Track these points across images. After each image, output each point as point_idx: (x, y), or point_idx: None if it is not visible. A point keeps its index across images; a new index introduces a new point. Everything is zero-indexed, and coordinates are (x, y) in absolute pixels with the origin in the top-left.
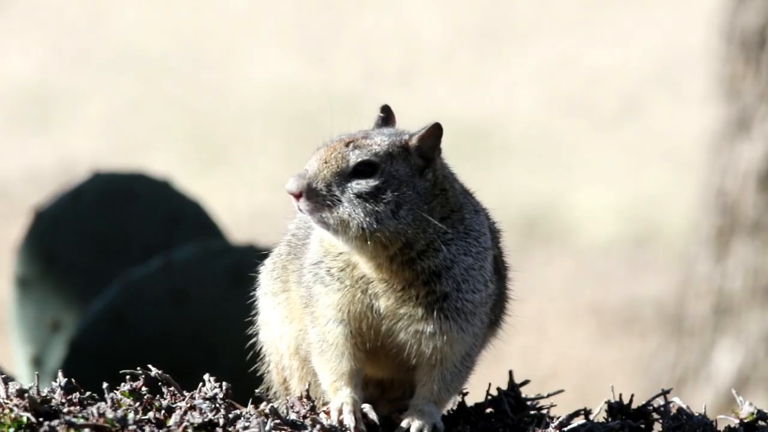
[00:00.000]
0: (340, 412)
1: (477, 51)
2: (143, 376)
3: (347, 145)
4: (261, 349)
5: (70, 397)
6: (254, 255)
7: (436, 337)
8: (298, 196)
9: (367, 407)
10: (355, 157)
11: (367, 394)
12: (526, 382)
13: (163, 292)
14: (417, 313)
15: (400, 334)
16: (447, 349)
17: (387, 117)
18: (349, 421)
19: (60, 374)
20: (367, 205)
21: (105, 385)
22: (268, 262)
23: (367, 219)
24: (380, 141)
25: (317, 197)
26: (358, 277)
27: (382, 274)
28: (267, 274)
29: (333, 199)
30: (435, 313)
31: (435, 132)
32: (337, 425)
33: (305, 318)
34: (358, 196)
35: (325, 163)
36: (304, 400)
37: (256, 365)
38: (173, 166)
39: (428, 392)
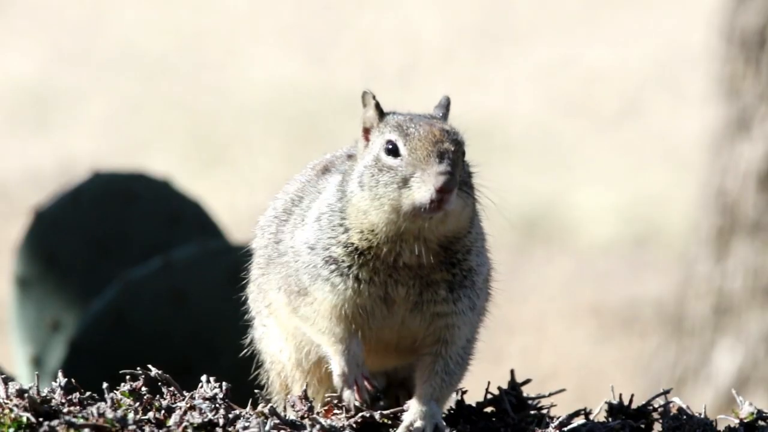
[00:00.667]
0: (345, 376)
1: (477, 51)
2: (143, 376)
3: (451, 130)
4: (261, 359)
5: (70, 397)
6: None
7: (449, 318)
8: (449, 192)
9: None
10: (465, 143)
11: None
12: (527, 381)
13: (163, 292)
14: (438, 295)
15: (413, 320)
16: (455, 331)
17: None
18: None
19: (60, 374)
20: (472, 189)
21: (105, 385)
22: (251, 287)
23: (472, 201)
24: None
25: (455, 190)
26: (381, 269)
27: (422, 259)
28: (253, 302)
29: (465, 190)
30: (454, 292)
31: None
32: (337, 425)
33: (289, 305)
34: (469, 179)
35: (454, 152)
36: (304, 399)
37: (257, 372)
38: (173, 166)
39: (429, 388)
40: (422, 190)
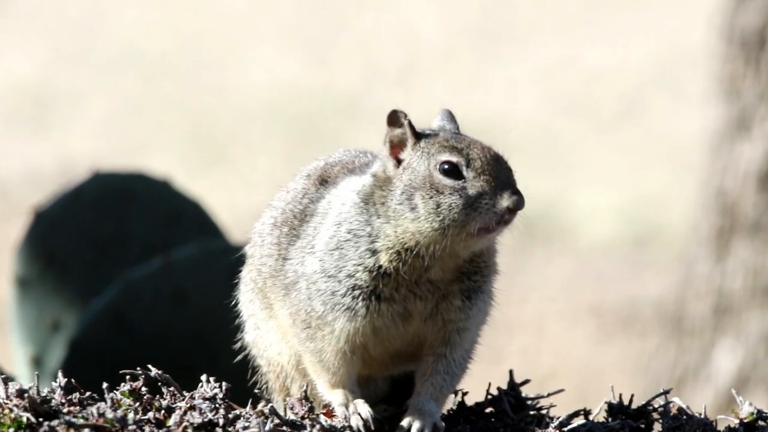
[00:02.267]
0: (344, 413)
1: (477, 51)
2: (143, 376)
3: (495, 150)
4: (256, 363)
5: (70, 397)
6: None
7: (461, 324)
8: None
9: (365, 409)
10: None
11: (374, 390)
12: (526, 382)
13: (163, 292)
14: (453, 305)
15: (425, 328)
16: (466, 334)
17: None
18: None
19: (60, 374)
20: None
21: (105, 385)
22: (243, 289)
23: None
24: None
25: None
26: (403, 286)
27: (446, 274)
28: (247, 305)
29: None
30: (471, 299)
31: None
32: (337, 425)
33: (299, 334)
34: None
35: (512, 172)
36: (303, 401)
37: (256, 374)
38: (173, 166)
39: (430, 387)
40: (491, 211)
